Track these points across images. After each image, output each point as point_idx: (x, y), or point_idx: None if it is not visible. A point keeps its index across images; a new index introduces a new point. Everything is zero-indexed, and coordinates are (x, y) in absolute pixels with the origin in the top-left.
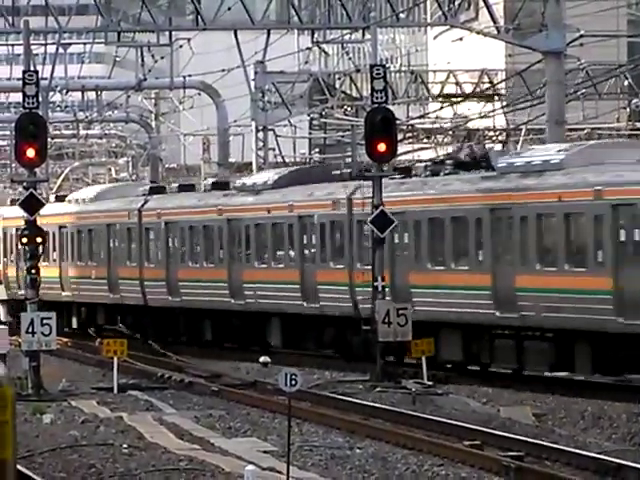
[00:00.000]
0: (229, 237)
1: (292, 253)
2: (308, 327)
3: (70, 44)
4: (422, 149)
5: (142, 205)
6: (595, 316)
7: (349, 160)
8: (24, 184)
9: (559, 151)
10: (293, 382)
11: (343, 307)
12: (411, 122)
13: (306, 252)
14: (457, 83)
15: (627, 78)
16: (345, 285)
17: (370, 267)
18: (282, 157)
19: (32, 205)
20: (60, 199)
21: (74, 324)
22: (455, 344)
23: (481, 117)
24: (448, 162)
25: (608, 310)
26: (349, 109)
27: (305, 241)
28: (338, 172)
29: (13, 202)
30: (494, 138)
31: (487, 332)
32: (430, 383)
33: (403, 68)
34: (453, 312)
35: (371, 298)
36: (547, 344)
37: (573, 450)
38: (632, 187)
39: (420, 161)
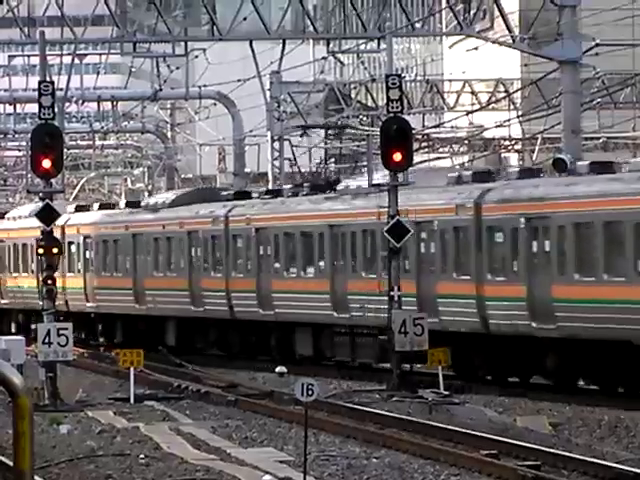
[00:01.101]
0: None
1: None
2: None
3: (86, 55)
4: (438, 158)
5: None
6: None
7: (365, 170)
8: (40, 195)
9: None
10: (310, 392)
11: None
12: (427, 131)
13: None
14: (473, 92)
15: None
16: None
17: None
18: (298, 167)
19: (48, 216)
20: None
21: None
22: (307, 340)
23: (497, 126)
24: (306, 185)
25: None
26: (365, 119)
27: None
28: (225, 193)
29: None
30: (510, 147)
31: (329, 330)
32: (447, 392)
33: (419, 78)
34: (305, 314)
35: (388, 308)
36: (372, 339)
37: (590, 459)
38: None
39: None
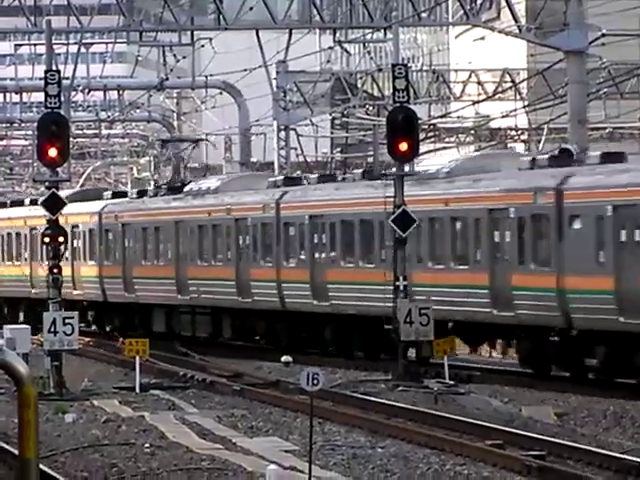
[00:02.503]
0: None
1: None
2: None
3: (92, 44)
4: (444, 148)
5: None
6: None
7: (371, 160)
8: (46, 184)
9: (218, 180)
10: (315, 381)
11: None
12: (433, 121)
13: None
14: (479, 82)
15: None
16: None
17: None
18: (304, 157)
19: (54, 204)
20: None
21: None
22: (161, 321)
23: (503, 117)
24: (164, 186)
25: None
26: (371, 108)
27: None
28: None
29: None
30: (516, 138)
31: (176, 310)
32: (452, 382)
33: (425, 67)
34: (160, 296)
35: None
36: (206, 317)
37: (595, 449)
38: None
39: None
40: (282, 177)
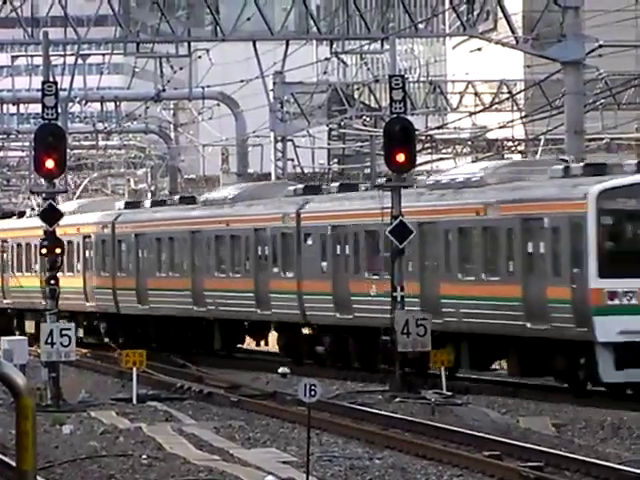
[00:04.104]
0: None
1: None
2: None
3: (89, 55)
4: (441, 159)
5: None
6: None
7: (368, 170)
8: (43, 195)
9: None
10: (312, 392)
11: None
12: (430, 132)
13: None
14: (476, 93)
15: None
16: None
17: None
18: (301, 167)
19: (51, 216)
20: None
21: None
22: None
23: (500, 127)
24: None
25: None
26: (368, 119)
27: None
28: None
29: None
30: (513, 148)
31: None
32: (449, 393)
33: (422, 78)
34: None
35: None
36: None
37: (592, 460)
38: None
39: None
40: (300, 185)
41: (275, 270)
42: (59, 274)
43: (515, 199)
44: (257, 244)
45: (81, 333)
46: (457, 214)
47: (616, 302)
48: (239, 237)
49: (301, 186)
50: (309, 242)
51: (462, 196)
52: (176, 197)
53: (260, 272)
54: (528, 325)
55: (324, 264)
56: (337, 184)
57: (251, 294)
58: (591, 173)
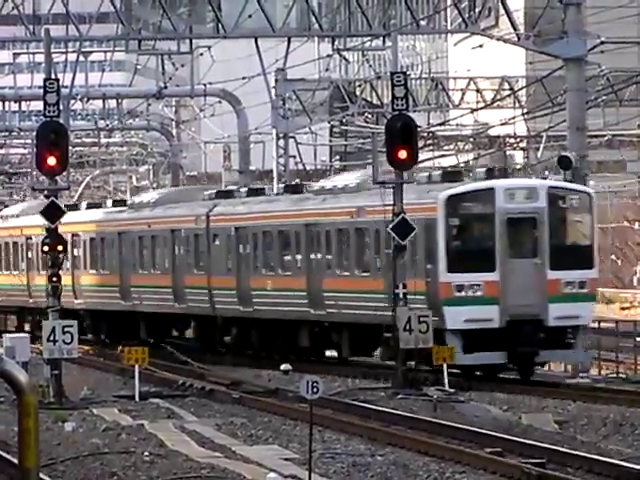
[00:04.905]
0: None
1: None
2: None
3: (91, 52)
4: (443, 156)
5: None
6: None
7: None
8: (45, 192)
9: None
10: (315, 389)
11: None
12: (432, 129)
13: None
14: (478, 90)
15: None
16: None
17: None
18: (303, 165)
19: (53, 213)
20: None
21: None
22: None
23: (502, 124)
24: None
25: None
26: (370, 116)
27: None
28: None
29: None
30: (515, 145)
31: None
32: (451, 390)
33: (424, 75)
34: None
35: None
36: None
37: (594, 457)
38: None
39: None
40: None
41: (189, 267)
42: None
43: (378, 204)
44: (174, 244)
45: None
46: (335, 217)
47: (463, 294)
48: (158, 237)
49: (214, 191)
50: (217, 242)
51: (339, 200)
52: (109, 202)
53: (176, 269)
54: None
55: (229, 262)
56: (246, 189)
57: (169, 289)
58: (447, 180)
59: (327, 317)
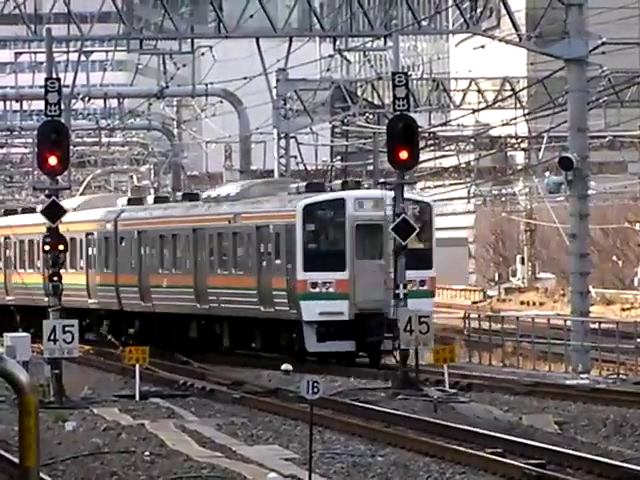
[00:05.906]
0: None
1: None
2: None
3: (92, 52)
4: (444, 157)
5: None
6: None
7: (371, 167)
8: (46, 192)
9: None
10: (315, 389)
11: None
12: (433, 130)
13: None
14: (479, 91)
15: None
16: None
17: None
18: (304, 165)
19: (55, 213)
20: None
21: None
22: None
23: (503, 125)
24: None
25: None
26: (371, 117)
27: None
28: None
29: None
30: (516, 146)
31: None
32: (452, 391)
33: (425, 76)
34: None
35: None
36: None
37: (595, 458)
38: None
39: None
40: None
41: (100, 267)
42: None
43: (251, 211)
44: (88, 245)
45: None
46: (217, 222)
47: (317, 290)
48: (75, 240)
49: (126, 198)
50: (123, 244)
51: (220, 208)
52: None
53: (89, 268)
54: (262, 309)
55: (133, 261)
56: (154, 197)
57: (83, 286)
58: (311, 190)
59: (210, 311)
